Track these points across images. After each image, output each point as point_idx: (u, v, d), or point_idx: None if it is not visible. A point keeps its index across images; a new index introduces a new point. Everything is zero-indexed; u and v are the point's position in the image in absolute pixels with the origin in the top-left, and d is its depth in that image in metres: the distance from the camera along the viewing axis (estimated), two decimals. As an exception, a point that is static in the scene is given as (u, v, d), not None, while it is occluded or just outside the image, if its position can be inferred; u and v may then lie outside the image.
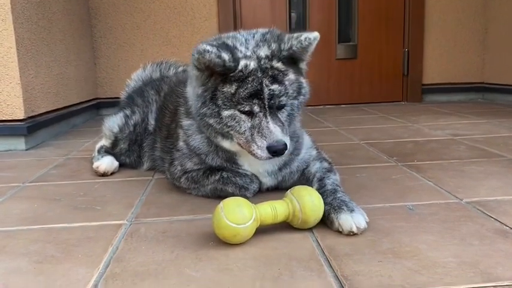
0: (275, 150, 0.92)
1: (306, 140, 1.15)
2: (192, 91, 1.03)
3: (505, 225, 0.86)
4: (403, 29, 2.98)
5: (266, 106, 0.94)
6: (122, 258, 0.77)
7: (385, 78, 3.03)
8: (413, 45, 2.98)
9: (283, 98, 0.96)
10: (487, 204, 0.98)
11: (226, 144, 1.02)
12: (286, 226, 0.87)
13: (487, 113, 2.36)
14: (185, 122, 1.11)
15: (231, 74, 0.93)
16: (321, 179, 1.01)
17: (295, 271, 0.70)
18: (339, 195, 0.91)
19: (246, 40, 0.98)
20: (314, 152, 1.14)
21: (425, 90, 3.04)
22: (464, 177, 1.20)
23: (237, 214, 0.78)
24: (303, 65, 1.04)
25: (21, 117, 1.75)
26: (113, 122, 1.41)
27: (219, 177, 1.07)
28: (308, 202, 0.84)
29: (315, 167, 1.09)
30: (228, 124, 0.96)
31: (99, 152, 1.41)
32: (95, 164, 1.34)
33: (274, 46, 0.97)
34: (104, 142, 1.43)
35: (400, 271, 0.69)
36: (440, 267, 0.70)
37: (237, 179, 1.05)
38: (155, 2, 2.75)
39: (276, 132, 0.93)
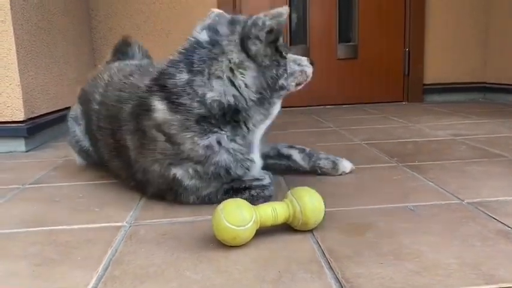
0: (312, 62, 1.08)
1: None
2: (256, 70, 0.95)
3: (508, 226, 0.85)
4: (403, 29, 2.97)
5: None
6: (121, 261, 0.77)
7: (386, 78, 3.03)
8: (414, 45, 2.97)
9: None
10: (489, 205, 0.97)
11: (279, 104, 1.05)
12: (286, 228, 0.86)
13: (489, 113, 2.35)
14: (203, 141, 0.95)
15: None
16: (291, 147, 1.26)
17: (296, 273, 0.70)
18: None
19: None
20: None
21: (427, 90, 3.03)
22: (466, 178, 1.19)
23: (237, 216, 0.78)
24: None
25: (21, 119, 1.74)
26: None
27: (248, 196, 0.99)
28: (308, 203, 0.83)
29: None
30: (290, 70, 1.02)
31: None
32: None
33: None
34: None
35: (402, 273, 0.69)
36: (442, 268, 0.69)
37: (265, 192, 1.01)
38: (155, 3, 2.75)
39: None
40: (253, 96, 0.96)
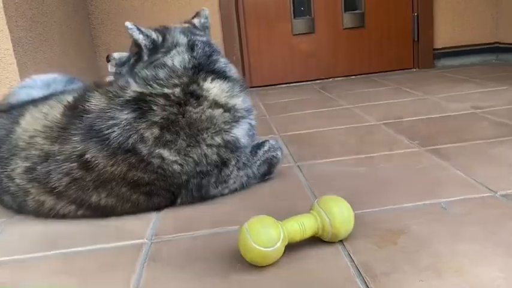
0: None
1: None
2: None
3: (549, 224, 0.81)
4: (411, -7, 2.85)
5: None
6: (147, 291, 0.73)
7: (394, 45, 2.93)
8: (423, 9, 2.85)
9: None
10: (525, 198, 0.92)
11: None
12: (314, 238, 0.82)
13: (504, 78, 2.27)
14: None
15: None
16: None
17: (333, 299, 0.66)
18: None
19: None
20: None
21: (437, 55, 2.94)
22: (493, 163, 1.14)
23: (264, 236, 0.74)
24: None
25: (26, 121, 1.69)
26: None
27: (270, 146, 1.15)
28: (337, 214, 0.79)
29: None
30: None
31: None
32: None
33: None
34: None
35: (446, 293, 0.65)
36: (487, 286, 0.65)
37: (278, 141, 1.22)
38: (151, -17, 2.65)
39: None
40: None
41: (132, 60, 1.15)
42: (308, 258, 0.78)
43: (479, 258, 0.72)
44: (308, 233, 0.79)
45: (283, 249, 0.76)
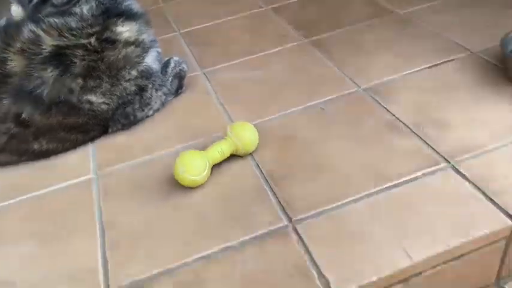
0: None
1: None
2: None
3: (393, 114, 1.12)
4: None
5: None
6: (111, 223, 0.95)
7: None
8: None
9: None
10: (380, 91, 1.21)
11: None
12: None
13: None
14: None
15: None
16: None
17: (250, 207, 0.93)
18: None
19: None
20: None
21: None
22: (360, 52, 1.40)
23: (194, 168, 0.97)
24: None
25: None
26: None
27: (174, 63, 1.33)
28: (245, 138, 1.04)
29: None
30: None
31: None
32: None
33: None
34: None
35: (323, 188, 0.94)
36: (349, 177, 0.96)
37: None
38: None
39: None
40: None
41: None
42: (227, 175, 1.04)
43: (346, 154, 1.03)
44: (226, 155, 1.04)
45: (209, 173, 1.01)
